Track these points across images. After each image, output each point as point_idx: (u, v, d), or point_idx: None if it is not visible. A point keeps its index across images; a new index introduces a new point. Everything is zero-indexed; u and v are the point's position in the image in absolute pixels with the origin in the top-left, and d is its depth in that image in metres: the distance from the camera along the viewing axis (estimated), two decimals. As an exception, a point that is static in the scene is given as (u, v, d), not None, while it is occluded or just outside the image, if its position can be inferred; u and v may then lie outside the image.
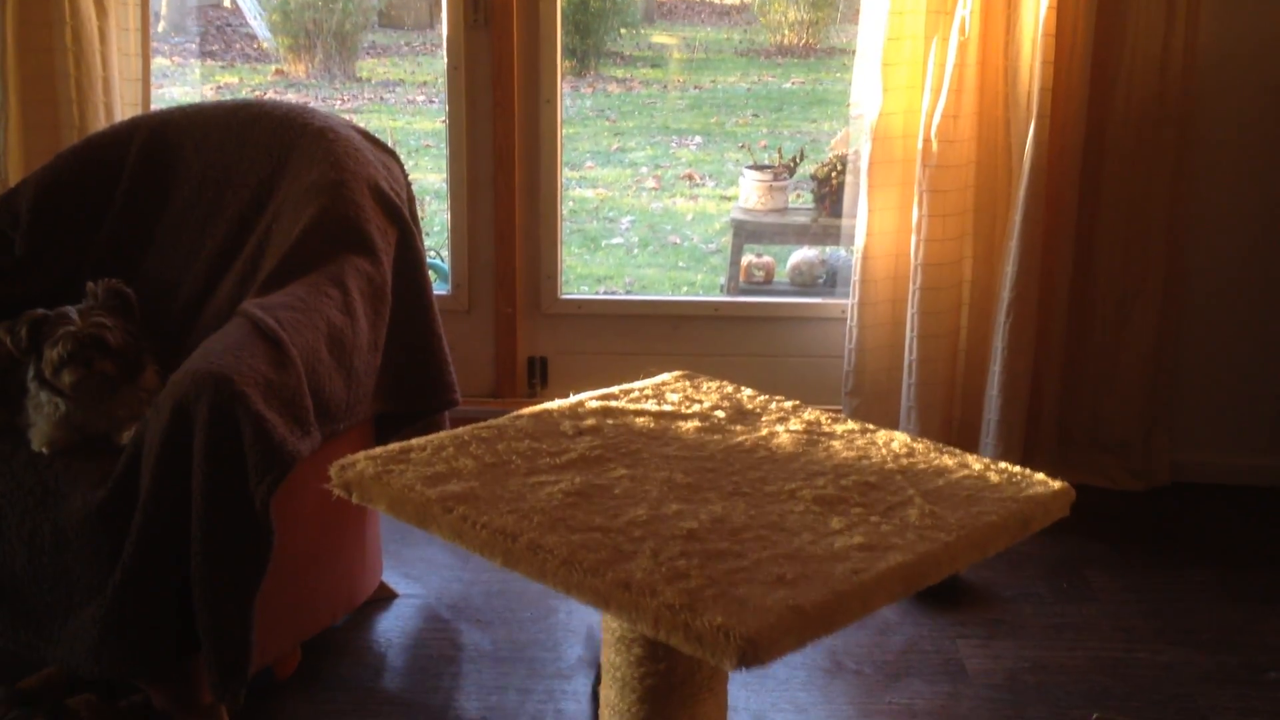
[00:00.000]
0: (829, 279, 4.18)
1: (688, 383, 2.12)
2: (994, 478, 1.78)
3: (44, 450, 2.29)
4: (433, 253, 4.21)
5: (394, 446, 1.82)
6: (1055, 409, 3.39)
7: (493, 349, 3.59)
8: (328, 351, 2.32)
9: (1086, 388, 3.42)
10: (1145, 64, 3.22)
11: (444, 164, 3.55)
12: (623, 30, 8.02)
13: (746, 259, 4.33)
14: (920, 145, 3.24)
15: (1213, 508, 3.42)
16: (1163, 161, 3.27)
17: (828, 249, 4.24)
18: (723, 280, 4.37)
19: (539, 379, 3.63)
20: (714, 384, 2.11)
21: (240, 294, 2.54)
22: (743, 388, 2.09)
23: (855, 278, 3.35)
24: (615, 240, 5.88)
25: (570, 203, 6.15)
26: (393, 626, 2.74)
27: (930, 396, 3.33)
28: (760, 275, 4.30)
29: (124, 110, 3.25)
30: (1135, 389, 3.39)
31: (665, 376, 2.15)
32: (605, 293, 5.10)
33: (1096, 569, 3.04)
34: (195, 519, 2.10)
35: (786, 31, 8.06)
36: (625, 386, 2.07)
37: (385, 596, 2.82)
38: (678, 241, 5.85)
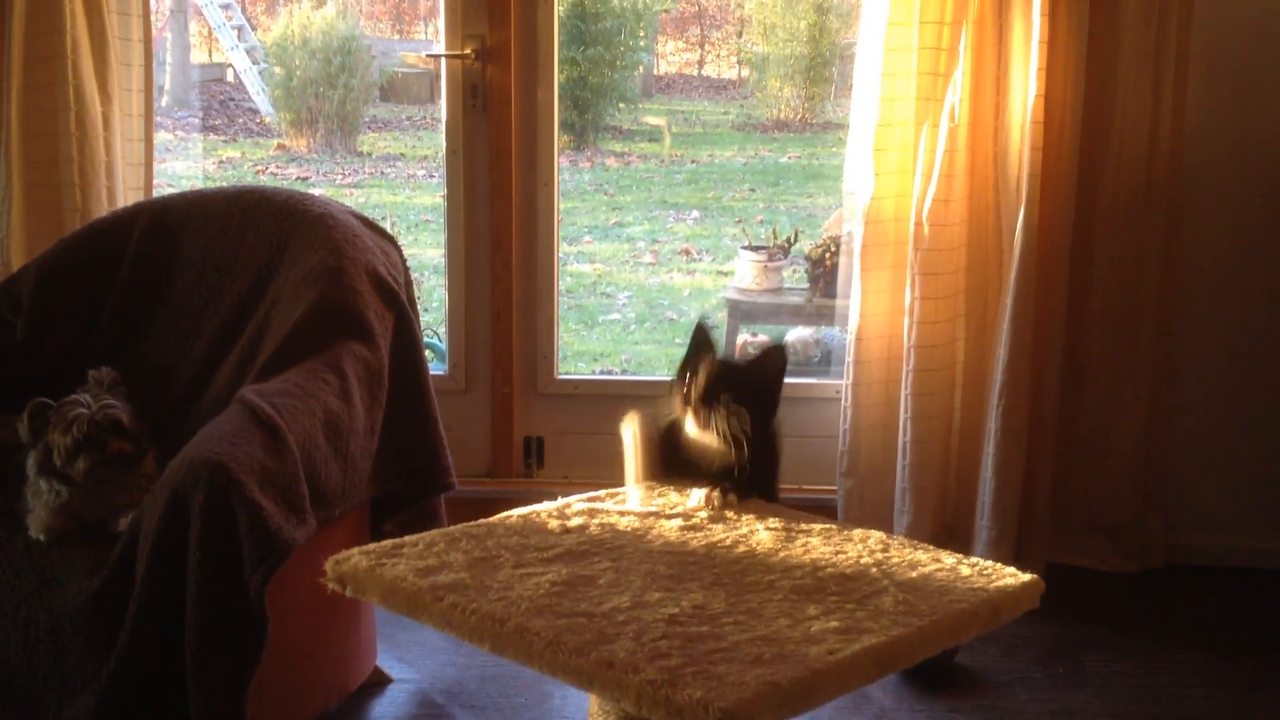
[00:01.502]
0: (824, 358, 4.21)
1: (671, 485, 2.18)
2: (966, 570, 1.86)
3: (41, 537, 2.31)
4: (430, 331, 4.24)
5: (386, 543, 1.87)
6: (1049, 491, 3.40)
7: (489, 429, 3.61)
8: (324, 438, 2.34)
9: (1080, 469, 3.43)
10: (1133, 148, 3.27)
11: (443, 240, 3.59)
12: (621, 105, 8.11)
13: (742, 338, 4.37)
14: (912, 229, 3.28)
15: (1207, 591, 3.42)
16: (1152, 244, 3.31)
17: (822, 329, 4.27)
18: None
19: (535, 459, 3.64)
20: None
21: (238, 380, 2.56)
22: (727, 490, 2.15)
23: (849, 358, 3.38)
24: (612, 316, 5.92)
25: (567, 278, 6.20)
26: (387, 713, 2.73)
27: (925, 478, 3.35)
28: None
29: (126, 194, 3.29)
30: (1128, 470, 3.41)
31: None
32: (601, 372, 5.13)
33: (1092, 653, 3.04)
34: (190, 606, 2.11)
35: (783, 106, 8.16)
36: (611, 490, 2.14)
37: (379, 682, 2.81)
38: (674, 317, 5.89)
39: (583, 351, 5.49)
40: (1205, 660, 3.03)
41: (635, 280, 6.36)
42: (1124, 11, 3.20)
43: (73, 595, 2.19)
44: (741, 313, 4.40)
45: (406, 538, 1.90)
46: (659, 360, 5.40)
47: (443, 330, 3.73)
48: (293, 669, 2.41)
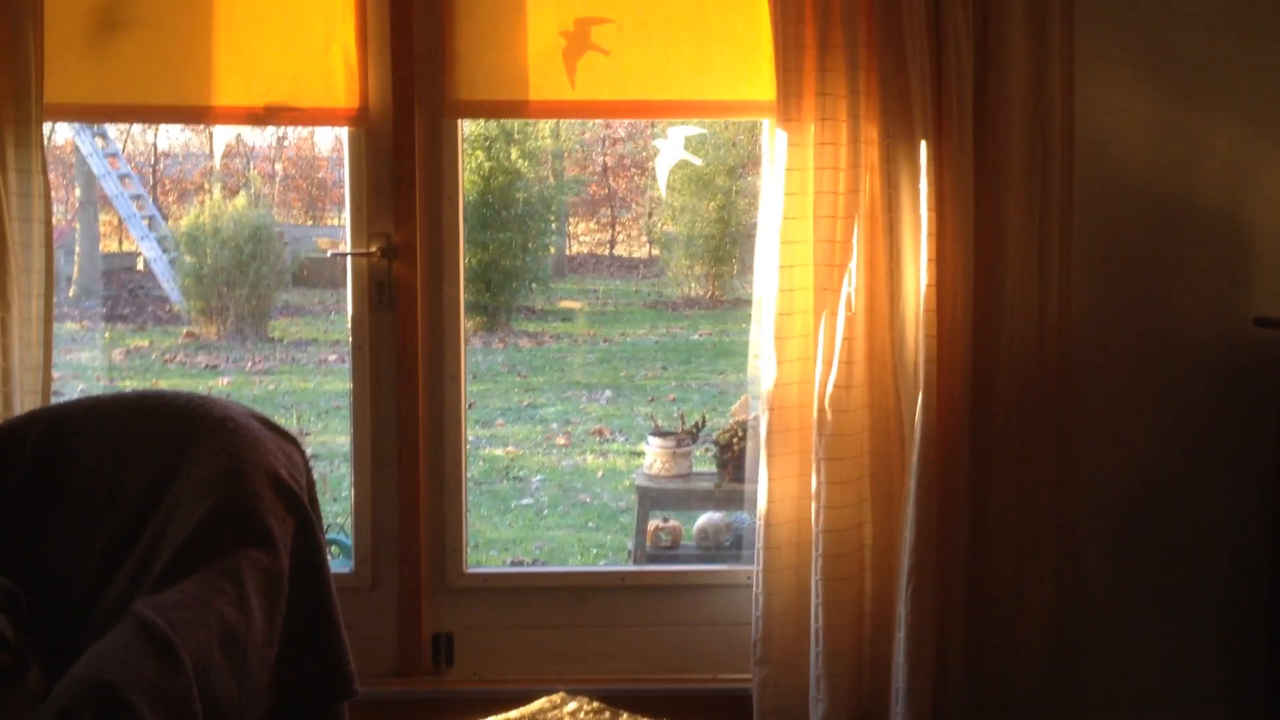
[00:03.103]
0: (735, 542, 4.21)
1: (565, 710, 2.13)
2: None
3: (-84, 767, 2.20)
4: (336, 526, 4.18)
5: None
6: (962, 674, 3.38)
7: (396, 626, 3.53)
8: (220, 650, 2.28)
9: (992, 651, 3.43)
10: (1024, 331, 3.35)
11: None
12: (534, 285, 8.21)
13: (653, 523, 4.37)
14: (815, 414, 3.32)
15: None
16: (1047, 422, 3.37)
17: (734, 513, 4.29)
18: (630, 545, 4.38)
19: (444, 657, 3.56)
20: (591, 707, 2.13)
21: (133, 590, 2.49)
22: (621, 713, 2.11)
23: (759, 544, 3.38)
24: (525, 500, 5.89)
25: (480, 463, 6.17)
26: None
27: (838, 664, 3.32)
28: (667, 540, 4.32)
29: (23, 399, 3.24)
30: (1038, 650, 3.41)
31: (542, 702, 2.17)
32: (513, 562, 5.09)
33: (1011, 842, 3.00)
34: (75, 837, 2.01)
35: (692, 284, 8.33)
36: (505, 716, 2.09)
37: None
38: (588, 500, 5.87)
39: (495, 539, 5.43)
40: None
41: (548, 463, 6.35)
42: (1008, 204, 3.32)
43: (-51, 830, 2.09)
44: (651, 499, 4.41)
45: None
46: (572, 546, 5.36)
47: (349, 523, 3.68)
48: None
